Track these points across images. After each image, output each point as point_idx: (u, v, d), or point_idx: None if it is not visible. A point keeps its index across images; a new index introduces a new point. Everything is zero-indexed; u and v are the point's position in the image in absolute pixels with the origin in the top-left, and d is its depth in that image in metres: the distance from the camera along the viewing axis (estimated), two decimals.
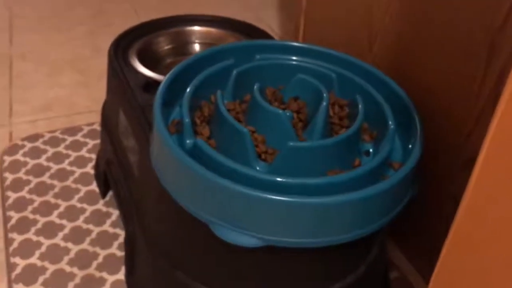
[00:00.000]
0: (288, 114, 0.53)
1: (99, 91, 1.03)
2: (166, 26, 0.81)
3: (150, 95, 0.64)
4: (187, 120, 0.51)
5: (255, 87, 0.54)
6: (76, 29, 1.29)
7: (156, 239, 0.59)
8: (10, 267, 0.68)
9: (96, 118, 0.95)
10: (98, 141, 0.87)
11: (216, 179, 0.45)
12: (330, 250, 0.50)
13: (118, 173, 0.70)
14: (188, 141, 0.50)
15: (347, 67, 0.60)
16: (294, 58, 0.62)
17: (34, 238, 0.72)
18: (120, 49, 0.74)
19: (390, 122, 0.54)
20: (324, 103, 0.53)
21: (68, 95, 1.05)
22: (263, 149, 0.51)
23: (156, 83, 0.64)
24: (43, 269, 0.68)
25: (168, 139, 0.49)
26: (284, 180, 0.46)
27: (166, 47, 0.80)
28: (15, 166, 0.84)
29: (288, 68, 0.60)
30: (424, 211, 0.67)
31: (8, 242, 0.72)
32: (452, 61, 0.59)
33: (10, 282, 0.66)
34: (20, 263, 0.69)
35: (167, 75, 0.56)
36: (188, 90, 0.55)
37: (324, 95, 0.53)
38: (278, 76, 0.59)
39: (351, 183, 0.47)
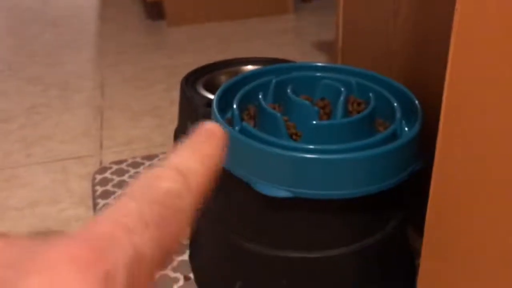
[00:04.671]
0: (314, 107, 0.69)
1: (172, 131, 1.23)
2: (226, 66, 1.01)
3: (209, 108, 0.82)
4: (235, 107, 0.68)
5: (288, 89, 0.70)
6: (155, 86, 1.54)
7: (212, 212, 0.74)
8: None
9: (169, 147, 1.14)
10: None
11: (257, 145, 0.61)
12: (349, 208, 0.63)
13: None
14: (237, 127, 0.66)
15: (364, 78, 0.75)
16: (320, 74, 0.78)
17: None
18: (190, 81, 0.94)
19: (397, 113, 0.67)
20: (342, 97, 0.68)
21: (147, 133, 1.26)
22: (293, 131, 0.66)
23: None
24: None
25: (223, 123, 0.66)
26: (305, 146, 0.61)
27: (225, 81, 0.99)
28: (104, 181, 1.03)
29: (316, 79, 0.76)
30: None
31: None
32: None
33: None
34: None
35: (222, 85, 0.74)
36: (238, 93, 0.72)
37: (342, 89, 0.68)
38: (308, 86, 0.75)
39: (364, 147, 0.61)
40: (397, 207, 0.70)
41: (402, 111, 0.68)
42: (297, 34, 2.07)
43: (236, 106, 0.69)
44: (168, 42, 1.98)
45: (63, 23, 2.22)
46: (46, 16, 2.32)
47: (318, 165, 0.59)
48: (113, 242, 0.15)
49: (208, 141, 0.21)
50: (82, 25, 2.21)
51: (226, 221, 0.71)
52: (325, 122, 0.65)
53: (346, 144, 0.61)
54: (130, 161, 1.11)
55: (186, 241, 0.86)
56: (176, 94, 1.51)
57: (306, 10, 2.25)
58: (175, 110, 1.40)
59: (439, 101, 0.73)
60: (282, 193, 0.60)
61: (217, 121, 0.66)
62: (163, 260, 0.17)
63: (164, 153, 1.14)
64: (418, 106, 0.67)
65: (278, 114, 0.65)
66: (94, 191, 1.01)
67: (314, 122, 0.63)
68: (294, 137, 0.66)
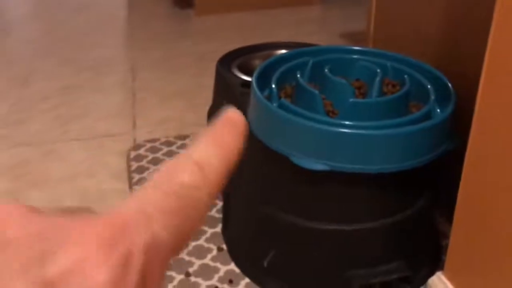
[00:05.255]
0: (351, 87, 0.71)
1: (203, 112, 1.26)
2: (260, 50, 1.04)
3: (245, 88, 0.85)
4: (273, 84, 0.71)
5: (326, 68, 0.73)
6: (184, 71, 1.58)
7: (247, 184, 0.77)
8: None
9: (200, 128, 1.18)
10: None
11: (296, 119, 0.64)
12: (382, 183, 0.66)
13: None
14: (274, 104, 0.70)
15: (398, 61, 0.78)
16: (356, 56, 0.80)
17: None
18: (225, 63, 0.97)
19: (431, 95, 0.70)
20: (378, 78, 0.70)
21: (178, 115, 1.30)
22: (330, 109, 0.69)
23: (249, 82, 0.85)
24: None
25: (263, 99, 0.69)
26: (342, 122, 0.63)
27: (258, 63, 1.02)
28: (139, 158, 1.08)
29: (352, 61, 0.78)
30: None
31: None
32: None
33: None
34: None
35: (261, 64, 0.77)
36: (277, 72, 0.75)
37: (378, 70, 0.71)
38: (344, 67, 0.78)
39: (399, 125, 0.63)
40: (427, 186, 0.73)
41: (435, 94, 0.71)
42: (322, 24, 2.09)
43: (275, 83, 0.72)
44: (196, 30, 2.01)
45: (92, 9, 2.27)
46: (76, 1, 2.38)
47: (354, 140, 0.62)
48: (134, 226, 0.16)
49: (228, 130, 0.21)
50: (111, 11, 2.26)
51: (261, 193, 0.75)
52: (362, 100, 0.68)
53: (382, 121, 0.64)
54: (163, 139, 1.15)
55: (219, 215, 0.89)
56: (205, 79, 1.54)
57: (332, 1, 2.26)
58: (204, 93, 1.44)
59: (472, 86, 0.75)
60: (318, 166, 0.63)
61: (257, 96, 0.70)
62: (179, 246, 0.18)
63: (195, 133, 1.17)
64: (451, 88, 0.70)
65: (316, 92, 0.68)
66: (129, 166, 1.05)
67: (351, 100, 0.66)
68: (330, 114, 0.69)
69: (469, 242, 0.63)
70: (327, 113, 0.69)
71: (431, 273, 0.74)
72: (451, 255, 0.65)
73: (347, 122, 0.63)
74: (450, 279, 0.65)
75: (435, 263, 0.76)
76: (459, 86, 0.72)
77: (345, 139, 0.62)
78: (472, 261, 0.62)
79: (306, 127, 0.63)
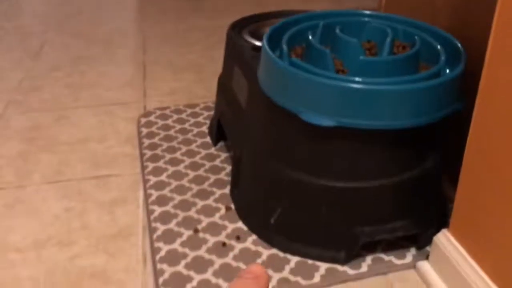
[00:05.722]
0: (361, 46, 0.72)
1: (212, 84, 1.27)
2: (271, 17, 1.04)
3: (255, 52, 0.85)
4: (285, 46, 0.71)
5: (337, 29, 0.73)
6: (195, 45, 1.58)
7: (255, 142, 0.78)
8: (145, 181, 0.90)
9: (210, 99, 1.19)
10: (211, 112, 1.10)
11: (306, 75, 0.64)
12: (389, 140, 0.66)
13: (229, 115, 0.91)
14: (285, 62, 0.70)
15: (409, 25, 0.78)
16: (366, 19, 0.80)
17: (163, 165, 0.94)
18: (236, 29, 0.98)
19: (441, 55, 0.70)
20: (388, 39, 0.71)
21: (188, 86, 1.31)
22: (340, 68, 0.70)
23: (259, 47, 0.85)
24: (169, 184, 0.89)
25: (274, 57, 0.69)
26: (351, 78, 0.64)
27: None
28: (149, 124, 1.09)
29: (363, 23, 0.79)
30: None
31: (143, 167, 0.95)
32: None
33: (145, 189, 0.88)
34: (152, 179, 0.91)
35: (272, 26, 0.78)
36: (287, 33, 0.76)
37: (389, 31, 0.71)
38: (355, 29, 0.78)
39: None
40: (435, 147, 0.73)
41: (445, 56, 0.71)
42: (336, 1, 2.08)
43: (285, 44, 0.73)
44: (208, 5, 2.01)
45: None
46: None
47: (363, 95, 0.63)
48: None
49: (255, 284, 0.24)
50: None
51: (270, 151, 0.75)
52: (371, 58, 0.68)
53: (391, 78, 0.64)
54: (173, 108, 1.16)
55: (227, 177, 0.90)
56: (215, 52, 1.55)
57: None
58: (214, 66, 1.44)
59: (482, 52, 0.75)
60: (326, 122, 0.64)
61: (268, 54, 0.70)
62: None
63: (205, 103, 1.18)
64: (461, 49, 0.70)
65: (327, 50, 0.68)
66: (139, 132, 1.07)
67: (361, 57, 0.67)
68: (340, 73, 0.69)
69: (473, 199, 0.63)
70: (337, 72, 0.69)
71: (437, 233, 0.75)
72: (456, 212, 0.66)
73: (356, 78, 0.63)
74: (455, 235, 0.66)
75: (441, 225, 0.76)
76: (469, 51, 0.72)
77: (354, 95, 0.63)
78: (476, 217, 0.63)
79: (316, 83, 0.64)
